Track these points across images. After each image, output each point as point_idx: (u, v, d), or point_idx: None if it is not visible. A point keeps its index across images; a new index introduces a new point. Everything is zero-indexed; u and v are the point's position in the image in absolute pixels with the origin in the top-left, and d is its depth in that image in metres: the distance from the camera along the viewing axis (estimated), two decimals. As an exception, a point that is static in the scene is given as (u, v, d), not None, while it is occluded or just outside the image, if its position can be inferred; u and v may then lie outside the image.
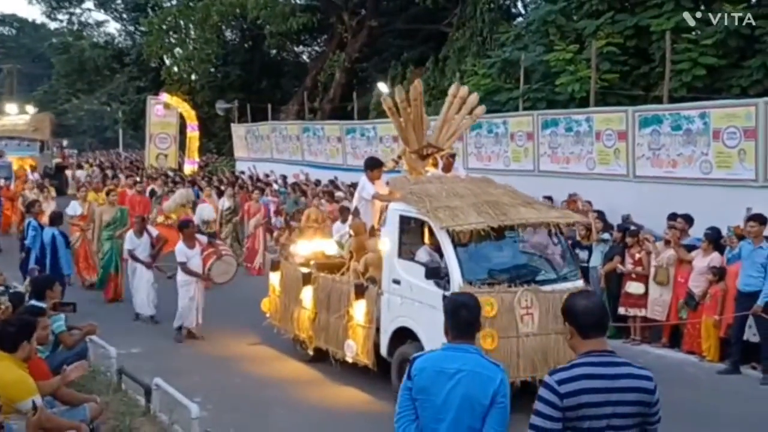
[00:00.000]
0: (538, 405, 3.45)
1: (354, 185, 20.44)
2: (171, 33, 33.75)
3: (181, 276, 11.04)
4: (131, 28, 42.31)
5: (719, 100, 13.52)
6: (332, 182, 21.42)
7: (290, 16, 29.45)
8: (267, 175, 24.73)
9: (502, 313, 7.51)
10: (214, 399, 8.29)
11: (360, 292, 8.73)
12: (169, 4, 34.98)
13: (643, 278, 10.87)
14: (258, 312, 10.92)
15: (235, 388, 8.88)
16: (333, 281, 9.38)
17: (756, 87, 14.37)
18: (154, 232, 12.78)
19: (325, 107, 31.08)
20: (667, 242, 10.68)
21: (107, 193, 15.21)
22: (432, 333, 7.28)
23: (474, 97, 10.01)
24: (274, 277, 10.59)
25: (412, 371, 3.90)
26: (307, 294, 9.62)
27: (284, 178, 23.74)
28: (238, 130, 30.74)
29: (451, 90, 10.01)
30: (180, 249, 11.03)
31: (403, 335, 8.29)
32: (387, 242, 8.64)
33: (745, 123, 12.08)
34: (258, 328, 10.94)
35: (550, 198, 14.80)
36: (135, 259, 12.21)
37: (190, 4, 32.14)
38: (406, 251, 8.48)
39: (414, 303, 8.11)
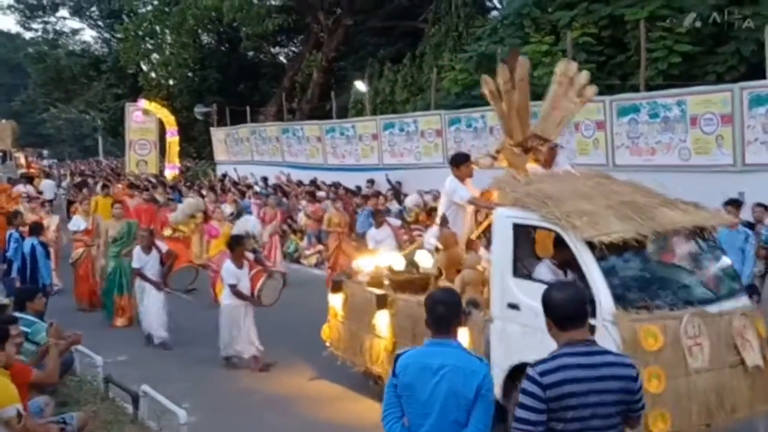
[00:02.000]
0: (521, 397, 3.49)
1: (335, 185, 20.63)
2: (147, 39, 33.60)
3: (228, 300, 9.70)
4: (107, 36, 42.05)
5: (695, 87, 13.63)
6: (313, 182, 21.42)
7: (266, 18, 29.38)
8: (245, 178, 24.68)
9: (668, 346, 5.89)
10: (202, 405, 8.25)
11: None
12: (144, 10, 34.75)
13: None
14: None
15: (224, 394, 8.85)
16: (419, 305, 7.03)
17: (731, 73, 14.49)
18: (164, 247, 11.62)
19: (303, 107, 31.05)
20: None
21: (112, 205, 13.60)
22: None
23: (584, 76, 8.22)
24: (336, 300, 8.90)
25: (396, 368, 3.95)
26: (382, 320, 7.97)
27: (265, 180, 23.70)
28: (217, 133, 30.64)
29: (559, 67, 8.28)
30: (229, 269, 9.66)
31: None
32: (497, 257, 7.02)
33: (721, 109, 12.21)
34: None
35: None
36: (143, 278, 11.01)
37: (166, 9, 31.99)
38: (521, 268, 6.90)
39: (540, 333, 6.71)
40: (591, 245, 6.19)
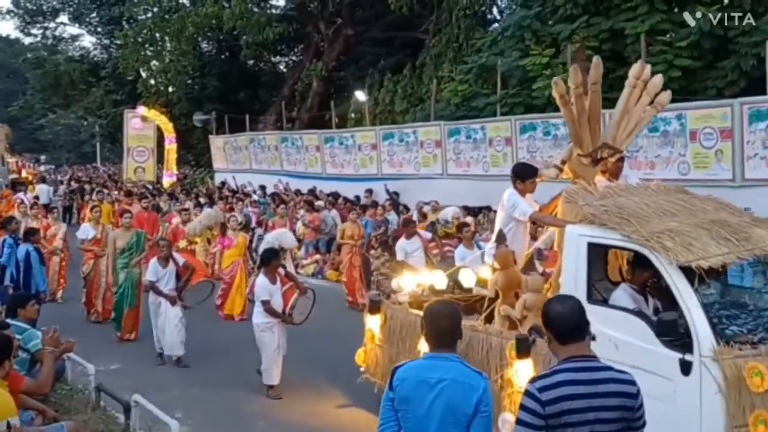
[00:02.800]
0: (520, 414, 3.44)
1: (334, 194, 20.58)
2: (147, 45, 33.56)
3: (261, 318, 8.97)
4: (107, 42, 41.97)
5: (695, 101, 13.62)
6: (312, 191, 21.36)
7: (266, 26, 29.39)
8: (244, 186, 24.61)
9: None
10: (194, 415, 8.20)
11: (524, 348, 6.28)
12: (144, 17, 34.70)
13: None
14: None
15: (215, 403, 8.76)
16: (473, 330, 6.88)
17: (731, 88, 14.48)
18: (181, 259, 10.85)
19: (303, 116, 31.04)
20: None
21: (121, 215, 12.81)
22: (667, 413, 5.11)
23: (658, 80, 7.49)
24: (374, 322, 8.26)
25: (393, 382, 3.85)
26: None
27: (263, 188, 23.64)
28: (216, 141, 30.61)
29: (633, 70, 7.41)
30: (262, 284, 9.00)
31: None
32: (567, 280, 6.25)
33: (721, 123, 12.19)
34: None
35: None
36: (158, 292, 10.28)
37: (166, 16, 31.97)
38: (596, 293, 6.23)
39: (620, 367, 5.75)
40: (686, 270, 5.48)
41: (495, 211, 14.81)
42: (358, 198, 19.66)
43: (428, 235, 12.79)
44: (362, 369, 8.44)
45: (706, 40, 15.00)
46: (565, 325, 3.52)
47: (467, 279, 8.07)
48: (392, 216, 17.51)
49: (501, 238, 7.37)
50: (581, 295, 5.80)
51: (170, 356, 10.27)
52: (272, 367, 8.91)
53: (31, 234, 12.76)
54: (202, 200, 20.96)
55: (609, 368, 3.55)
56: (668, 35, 15.68)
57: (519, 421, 3.43)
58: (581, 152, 7.25)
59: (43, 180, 31.85)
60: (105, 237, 12.80)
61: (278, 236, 12.93)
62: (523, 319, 6.71)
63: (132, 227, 12.26)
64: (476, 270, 8.39)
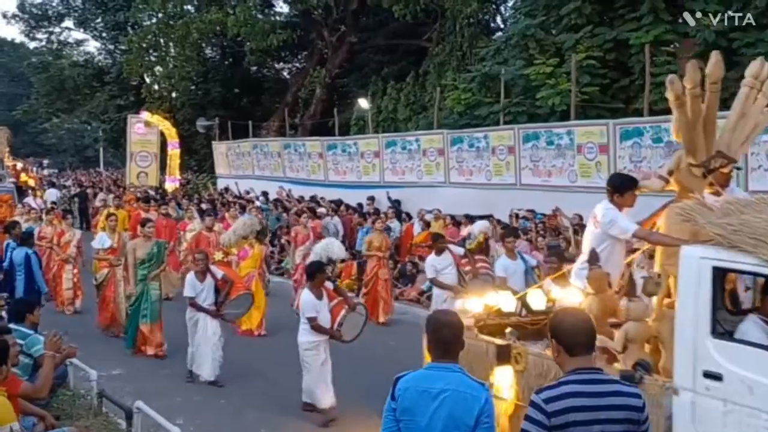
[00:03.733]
0: (525, 425, 3.44)
1: (336, 202, 20.58)
2: (151, 51, 33.64)
3: (307, 336, 8.37)
4: (111, 47, 42.04)
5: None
6: (313, 198, 21.37)
7: (270, 33, 29.43)
8: (248, 192, 24.63)
9: None
10: (196, 421, 8.18)
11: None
12: (149, 23, 34.80)
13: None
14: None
15: (217, 411, 8.74)
16: (543, 358, 6.07)
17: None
18: (219, 272, 10.05)
19: (306, 123, 31.08)
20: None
21: (142, 224, 11.78)
22: None
23: None
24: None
25: (395, 392, 3.83)
26: (504, 377, 6.37)
27: (266, 194, 23.67)
28: (219, 147, 30.66)
29: (751, 69, 6.43)
30: (307, 300, 8.40)
31: None
32: (684, 309, 5.42)
33: (725, 134, 12.16)
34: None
35: (532, 211, 14.85)
36: (198, 308, 9.61)
37: (170, 22, 32.03)
38: (720, 325, 5.41)
39: (761, 415, 4.77)
40: None
41: (498, 221, 14.96)
42: (360, 205, 19.67)
43: (460, 250, 11.72)
44: None
45: (711, 50, 14.99)
46: (576, 338, 3.52)
47: (536, 300, 7.38)
48: (395, 224, 17.51)
49: (594, 259, 6.51)
50: (704, 326, 5.18)
51: (209, 378, 9.52)
52: (318, 387, 8.28)
53: (28, 238, 12.74)
54: (204, 206, 20.93)
55: (615, 381, 3.56)
56: (672, 46, 15.71)
57: None
58: (694, 161, 6.31)
59: (52, 185, 31.85)
60: (122, 246, 12.18)
61: (326, 247, 11.55)
62: (623, 351, 5.84)
63: (150, 237, 11.44)
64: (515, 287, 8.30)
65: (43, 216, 15.61)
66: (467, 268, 11.16)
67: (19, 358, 6.63)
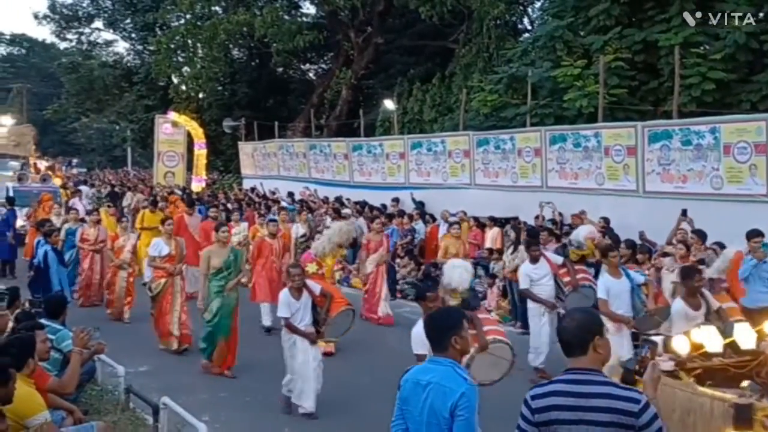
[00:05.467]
0: (519, 419, 3.61)
1: (361, 203, 20.58)
2: (179, 52, 33.92)
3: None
4: (140, 48, 42.48)
5: (729, 114, 13.47)
6: (338, 199, 21.41)
7: (297, 34, 29.57)
8: (273, 193, 24.73)
9: None
10: (221, 418, 8.24)
11: None
12: (177, 24, 35.12)
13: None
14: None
15: (243, 408, 8.80)
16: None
17: (766, 102, 14.34)
18: (316, 287, 8.80)
19: (331, 124, 31.17)
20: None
21: (216, 229, 10.43)
22: None
23: None
24: None
25: (400, 382, 4.12)
26: None
27: (291, 195, 23.76)
28: (245, 147, 30.83)
29: None
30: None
31: None
32: None
33: (755, 138, 12.04)
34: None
35: (560, 214, 14.76)
36: (294, 330, 8.39)
37: (198, 23, 32.31)
38: None
39: None
40: None
41: (524, 222, 14.84)
42: (384, 206, 19.67)
43: (559, 259, 10.41)
44: None
45: (741, 53, 14.88)
46: (565, 338, 3.61)
47: (746, 337, 5.84)
48: (419, 225, 17.48)
49: None
50: None
51: (306, 409, 8.39)
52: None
53: (49, 234, 12.86)
54: (230, 206, 21.01)
55: (609, 384, 3.51)
56: (702, 47, 15.55)
57: (516, 426, 3.59)
58: None
59: (84, 183, 31.99)
60: (179, 252, 11.54)
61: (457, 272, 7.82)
62: None
63: (226, 242, 10.30)
64: None
65: (86, 217, 15.20)
66: (566, 279, 9.89)
67: (50, 353, 6.73)
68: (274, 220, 13.84)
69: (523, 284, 10.07)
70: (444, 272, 7.91)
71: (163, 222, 11.76)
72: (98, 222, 14.88)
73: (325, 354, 9.65)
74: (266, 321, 12.30)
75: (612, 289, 8.65)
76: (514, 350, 7.26)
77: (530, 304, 10.18)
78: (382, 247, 13.50)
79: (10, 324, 6.96)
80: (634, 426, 3.38)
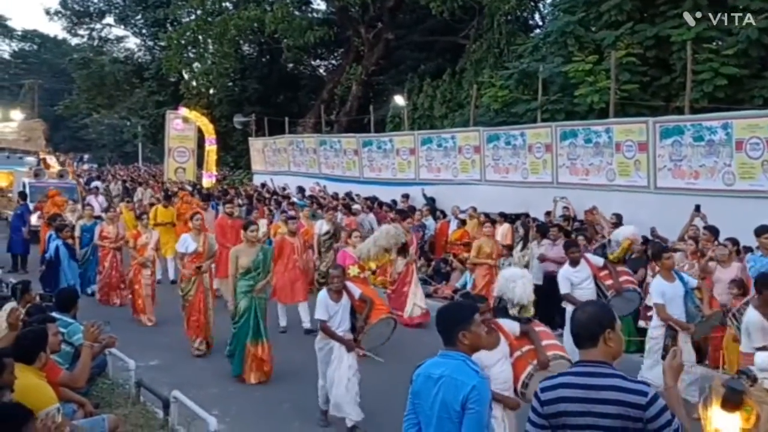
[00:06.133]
0: (529, 411, 3.66)
1: (372, 198, 20.56)
2: (190, 48, 34.02)
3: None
4: (151, 44, 42.64)
5: (742, 110, 13.39)
6: (348, 195, 21.41)
7: (307, 30, 29.62)
8: (283, 188, 24.77)
9: None
10: (232, 412, 8.27)
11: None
12: (187, 19, 35.23)
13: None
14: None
15: (252, 401, 8.82)
16: None
17: (778, 97, 14.25)
18: (356, 291, 8.24)
19: (341, 120, 31.20)
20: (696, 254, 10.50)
21: (245, 227, 9.80)
22: None
23: None
24: (726, 422, 3.94)
25: (413, 377, 4.14)
26: None
27: (302, 190, 23.78)
28: (255, 143, 30.89)
29: None
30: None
31: None
32: None
33: (768, 133, 11.96)
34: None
35: (568, 208, 14.72)
36: (330, 335, 7.82)
37: (209, 19, 32.39)
38: None
39: None
40: None
41: (534, 219, 14.80)
42: (394, 202, 19.65)
43: (599, 261, 9.82)
44: None
45: (754, 48, 14.78)
46: (577, 329, 3.62)
47: None
48: (429, 221, 17.46)
49: None
50: None
51: (350, 422, 7.72)
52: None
53: (60, 229, 12.90)
54: (239, 201, 21.03)
55: (619, 376, 3.49)
56: (715, 43, 15.46)
57: (528, 418, 3.63)
58: None
59: (97, 178, 32.03)
60: (207, 249, 10.88)
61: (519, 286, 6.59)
62: None
63: (255, 241, 9.73)
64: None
65: (103, 214, 14.92)
66: (608, 282, 9.38)
67: (61, 346, 6.77)
68: (294, 218, 13.34)
69: (564, 288, 9.42)
70: (500, 289, 6.71)
71: (191, 217, 11.20)
72: (116, 218, 14.60)
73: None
74: (282, 321, 12.16)
75: (666, 293, 8.28)
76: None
77: (569, 309, 9.05)
78: (411, 246, 12.97)
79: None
80: (641, 418, 3.39)
